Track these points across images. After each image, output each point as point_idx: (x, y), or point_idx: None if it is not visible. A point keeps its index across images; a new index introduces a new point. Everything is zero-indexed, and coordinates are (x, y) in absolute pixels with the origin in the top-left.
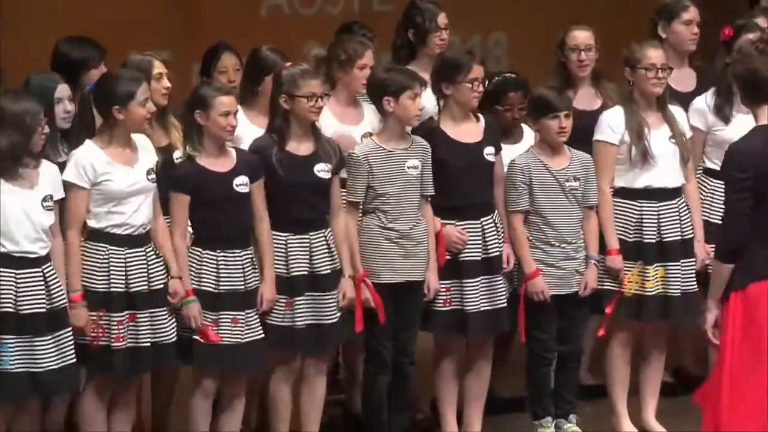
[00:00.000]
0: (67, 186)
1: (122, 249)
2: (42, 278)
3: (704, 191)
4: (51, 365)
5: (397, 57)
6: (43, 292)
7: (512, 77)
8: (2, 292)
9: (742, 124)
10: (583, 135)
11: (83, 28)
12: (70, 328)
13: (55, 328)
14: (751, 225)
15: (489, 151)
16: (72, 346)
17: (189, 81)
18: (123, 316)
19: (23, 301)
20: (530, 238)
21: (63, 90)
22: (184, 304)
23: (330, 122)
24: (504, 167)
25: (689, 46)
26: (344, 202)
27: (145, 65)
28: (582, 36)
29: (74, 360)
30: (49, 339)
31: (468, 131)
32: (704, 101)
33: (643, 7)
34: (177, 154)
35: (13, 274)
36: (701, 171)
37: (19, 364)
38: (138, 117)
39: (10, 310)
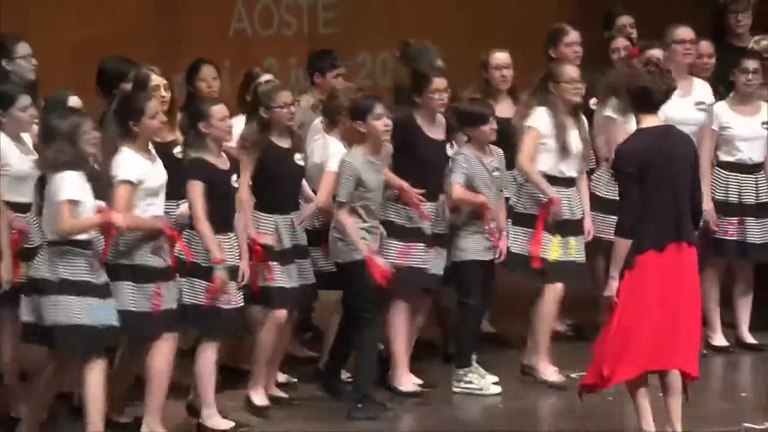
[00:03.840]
0: (121, 183)
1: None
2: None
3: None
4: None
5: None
6: None
7: None
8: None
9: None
10: (500, 138)
11: (78, 40)
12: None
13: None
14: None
15: (450, 148)
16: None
17: (170, 90)
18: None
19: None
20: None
21: (74, 101)
22: (216, 270)
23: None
24: None
25: (573, 62)
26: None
27: (143, 79)
28: (503, 57)
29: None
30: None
31: (437, 130)
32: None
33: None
34: (177, 149)
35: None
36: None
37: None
38: (150, 128)
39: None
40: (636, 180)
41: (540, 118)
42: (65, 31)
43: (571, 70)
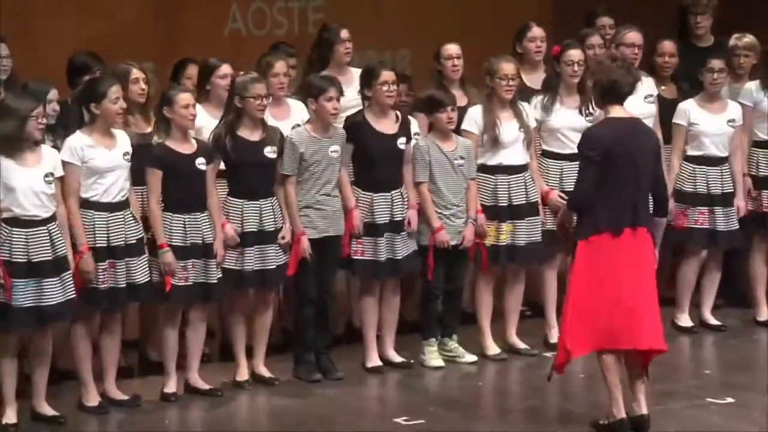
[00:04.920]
0: (64, 164)
1: (104, 213)
2: (47, 234)
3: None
4: (56, 299)
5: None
6: (49, 244)
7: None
8: (14, 246)
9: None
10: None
11: (80, 42)
12: (70, 271)
13: (59, 271)
14: (597, 190)
15: (401, 141)
16: (72, 285)
17: (148, 84)
18: (104, 264)
19: (33, 251)
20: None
21: (53, 94)
22: (160, 255)
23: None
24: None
25: (536, 57)
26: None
27: (124, 71)
28: (453, 48)
29: (74, 295)
30: (56, 280)
31: (386, 124)
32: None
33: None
34: (155, 140)
35: (23, 232)
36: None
37: (29, 300)
38: (110, 112)
39: (23, 260)
40: (595, 164)
41: (470, 120)
42: (66, 33)
43: (506, 67)
